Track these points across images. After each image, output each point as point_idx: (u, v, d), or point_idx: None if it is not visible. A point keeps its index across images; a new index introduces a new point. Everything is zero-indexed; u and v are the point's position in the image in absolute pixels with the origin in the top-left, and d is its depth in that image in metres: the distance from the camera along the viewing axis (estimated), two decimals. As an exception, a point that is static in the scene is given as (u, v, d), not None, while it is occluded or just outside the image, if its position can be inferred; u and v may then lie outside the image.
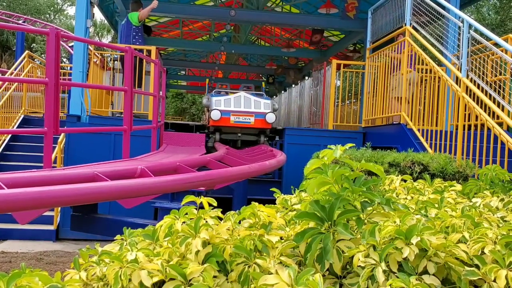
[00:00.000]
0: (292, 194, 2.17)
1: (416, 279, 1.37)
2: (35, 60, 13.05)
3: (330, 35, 15.41)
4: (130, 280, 1.40)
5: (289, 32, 16.53)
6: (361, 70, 9.20)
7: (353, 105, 10.52)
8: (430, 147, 5.57)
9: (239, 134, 7.84)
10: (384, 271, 1.39)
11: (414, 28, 6.65)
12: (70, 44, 14.75)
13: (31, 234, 6.52)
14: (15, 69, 10.58)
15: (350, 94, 10.06)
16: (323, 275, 1.44)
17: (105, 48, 10.19)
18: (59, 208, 6.51)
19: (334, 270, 1.48)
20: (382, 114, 7.22)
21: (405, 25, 6.73)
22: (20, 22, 19.60)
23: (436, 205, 1.97)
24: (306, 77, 12.41)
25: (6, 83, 9.75)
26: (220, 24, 15.19)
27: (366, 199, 1.68)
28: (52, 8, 35.83)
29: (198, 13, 12.29)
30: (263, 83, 9.73)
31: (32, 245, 6.17)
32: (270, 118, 7.58)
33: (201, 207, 1.72)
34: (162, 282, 1.41)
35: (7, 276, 1.19)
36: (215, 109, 7.54)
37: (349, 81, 9.66)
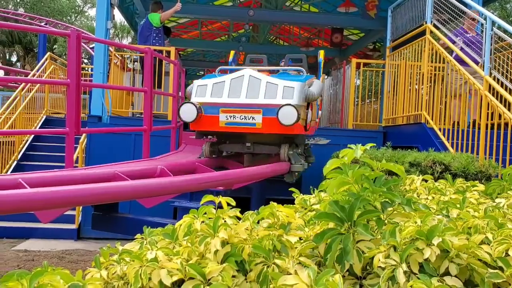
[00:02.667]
0: (311, 194, 2.16)
1: (438, 281, 1.34)
2: (57, 61, 13.25)
3: (349, 34, 15.30)
4: (150, 279, 1.40)
5: (308, 31, 16.46)
6: (381, 69, 9.11)
7: (373, 104, 10.42)
8: (452, 146, 5.49)
9: (248, 144, 4.66)
10: (405, 272, 1.38)
11: (435, 26, 6.55)
12: (91, 46, 14.94)
13: (53, 233, 6.63)
14: (38, 70, 10.77)
15: (370, 93, 9.97)
16: (343, 276, 1.43)
17: (125, 49, 10.29)
18: (81, 207, 6.60)
19: (354, 270, 1.46)
20: (403, 113, 7.14)
21: (426, 23, 6.64)
22: (42, 24, 19.94)
23: (458, 206, 1.94)
24: (326, 76, 12.35)
25: (29, 84, 9.93)
26: (239, 24, 15.21)
27: (387, 199, 1.67)
28: (74, 10, 36.34)
29: (217, 14, 12.33)
30: (321, 51, 5.96)
31: (54, 243, 6.26)
32: (285, 115, 4.10)
33: (220, 206, 1.72)
34: (182, 281, 1.41)
35: (29, 274, 1.21)
36: (188, 102, 4.43)
37: (369, 80, 9.57)
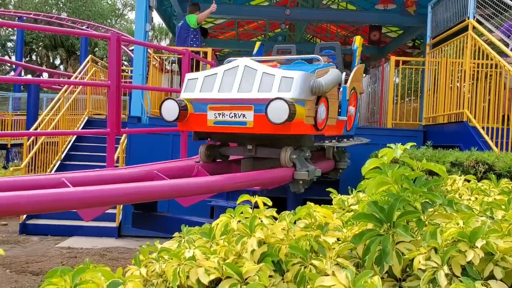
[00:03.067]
0: (349, 195, 2.13)
1: (482, 284, 1.30)
2: (98, 64, 13.60)
3: (388, 31, 15.04)
4: (188, 277, 1.42)
5: (345, 29, 16.29)
6: (421, 67, 8.91)
7: (412, 103, 10.21)
8: (496, 145, 5.31)
9: (249, 147, 4.02)
10: (446, 275, 1.34)
11: (477, 21, 6.36)
12: (130, 48, 15.25)
13: (95, 231, 6.80)
14: (80, 72, 11.09)
15: (409, 92, 9.77)
16: (382, 278, 1.40)
17: (163, 51, 10.47)
18: (121, 206, 6.75)
19: (393, 272, 1.43)
20: (444, 112, 6.96)
21: (468, 18, 6.45)
22: (84, 27, 20.51)
23: (503, 207, 1.87)
24: (364, 75, 12.19)
25: (72, 86, 10.23)
26: (275, 23, 15.20)
27: (427, 200, 1.62)
28: (114, 13, 37.24)
29: (254, 14, 12.36)
30: (357, 37, 5.52)
31: (96, 241, 6.42)
32: (275, 111, 3.38)
33: (256, 206, 1.72)
34: (219, 280, 1.42)
35: (72, 271, 1.24)
36: (170, 98, 3.86)
37: (408, 78, 9.38)
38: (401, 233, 1.44)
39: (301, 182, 3.90)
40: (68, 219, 6.78)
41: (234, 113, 3.66)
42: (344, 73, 4.80)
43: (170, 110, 3.76)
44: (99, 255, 5.66)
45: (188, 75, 4.03)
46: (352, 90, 4.84)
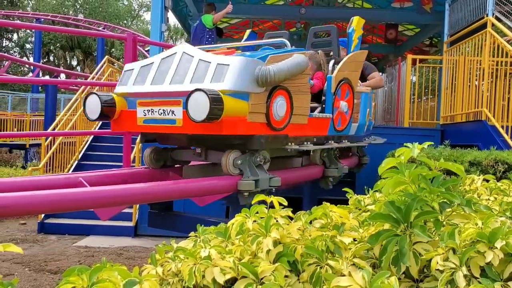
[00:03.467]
0: (366, 194, 2.12)
1: (501, 286, 1.28)
2: (115, 64, 13.73)
3: (405, 29, 14.90)
4: (203, 276, 1.42)
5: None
6: (438, 65, 8.81)
7: (429, 102, 10.10)
8: (516, 144, 5.23)
9: (198, 150, 3.54)
10: (465, 276, 1.32)
11: (497, 18, 6.26)
12: (146, 48, 15.35)
13: (112, 230, 6.86)
14: (96, 73, 11.20)
15: (426, 90, 9.67)
16: (399, 278, 1.39)
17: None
18: (138, 206, 6.80)
19: (410, 273, 1.42)
20: (462, 111, 6.87)
21: (487, 15, 6.35)
22: (100, 28, 20.72)
23: (523, 207, 1.84)
24: (380, 73, 12.11)
25: (89, 86, 10.34)
26: (290, 22, 15.17)
27: (445, 200, 1.60)
28: (130, 14, 37.55)
29: (269, 13, 12.35)
30: (355, 17, 4.86)
31: (113, 240, 6.48)
32: (194, 106, 2.77)
33: (272, 206, 1.72)
34: (234, 280, 1.42)
35: (89, 270, 1.25)
36: (93, 93, 3.28)
37: (425, 77, 9.29)
38: (419, 233, 1.42)
39: (246, 194, 3.11)
40: (85, 219, 6.85)
41: (163, 109, 3.08)
42: (332, 61, 4.23)
43: (92, 107, 3.22)
44: (116, 254, 5.70)
45: (126, 66, 3.50)
46: (343, 82, 4.13)
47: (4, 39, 30.01)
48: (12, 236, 6.58)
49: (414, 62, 8.29)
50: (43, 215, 6.87)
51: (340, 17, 12.52)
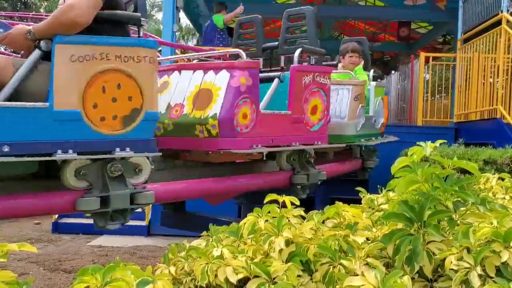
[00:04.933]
0: (379, 194, 2.10)
1: (517, 286, 1.26)
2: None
3: (417, 27, 14.78)
4: (216, 275, 1.43)
5: (373, 25, 16.08)
6: (451, 63, 8.73)
7: (443, 100, 10.01)
8: (531, 143, 5.16)
9: None
10: (479, 276, 1.30)
11: (511, 15, 6.18)
12: (158, 49, 15.42)
13: (125, 230, 6.86)
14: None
15: (440, 88, 9.57)
16: (412, 278, 1.38)
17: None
18: (150, 205, 6.83)
19: (424, 273, 1.41)
20: (476, 108, 6.79)
21: (502, 12, 6.28)
22: (114, 29, 20.82)
23: (539, 206, 1.81)
24: (393, 72, 12.01)
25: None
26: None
27: (459, 199, 1.59)
28: (143, 14, 37.74)
29: (280, 12, 12.27)
30: None
31: (126, 239, 6.51)
32: None
33: (284, 206, 1.71)
34: (247, 279, 1.42)
35: (103, 269, 1.26)
36: None
37: (438, 75, 9.20)
38: (432, 232, 1.41)
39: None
40: (99, 218, 6.89)
41: None
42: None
43: None
44: (129, 253, 5.73)
45: None
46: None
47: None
48: (26, 236, 6.65)
49: (427, 60, 8.21)
50: (57, 215, 6.93)
51: (352, 16, 12.47)
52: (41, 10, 31.36)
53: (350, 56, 5.20)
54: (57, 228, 7.02)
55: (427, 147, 1.70)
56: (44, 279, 4.62)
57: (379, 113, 5.15)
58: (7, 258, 1.32)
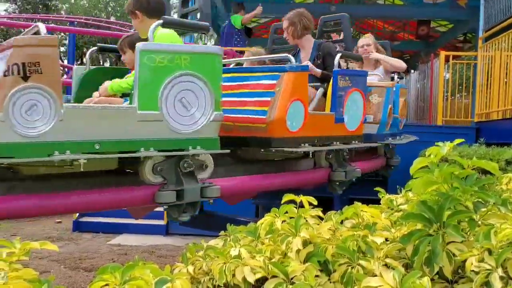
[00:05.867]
0: (398, 194, 2.09)
1: (540, 288, 1.24)
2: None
3: (437, 26, 14.58)
4: (233, 275, 1.43)
5: (392, 24, 15.93)
6: (472, 61, 8.60)
7: (463, 99, 9.87)
8: (555, 142, 5.06)
9: None
10: (501, 278, 1.28)
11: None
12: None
13: (144, 229, 6.96)
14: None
15: (460, 87, 9.45)
16: (432, 279, 1.36)
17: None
18: (169, 204, 6.87)
19: (444, 274, 1.39)
20: (498, 108, 6.68)
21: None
22: (131, 30, 21.03)
23: None
24: (412, 71, 11.89)
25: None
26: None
27: (479, 200, 1.56)
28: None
29: (298, 12, 12.27)
30: None
31: (145, 238, 6.57)
32: None
33: (301, 206, 1.71)
34: (264, 279, 1.42)
35: (122, 268, 1.28)
36: None
37: (459, 74, 9.07)
38: (452, 233, 1.39)
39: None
40: (119, 217, 6.97)
41: None
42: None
43: None
44: (148, 252, 5.79)
45: None
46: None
47: (40, 42, 30.92)
48: (48, 234, 6.76)
49: (447, 58, 8.10)
50: (77, 214, 7.03)
51: (371, 15, 12.36)
52: (62, 12, 31.81)
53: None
54: (78, 227, 7.12)
55: (444, 147, 1.68)
56: (65, 277, 4.69)
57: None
58: (29, 256, 1.34)
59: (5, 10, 28.58)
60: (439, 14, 11.53)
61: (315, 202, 1.72)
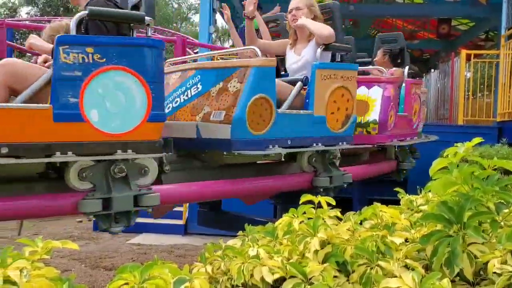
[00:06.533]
0: (418, 195, 2.06)
1: None
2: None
3: (458, 24, 14.39)
4: (252, 275, 1.43)
5: (412, 23, 15.76)
6: (494, 60, 8.46)
7: (485, 98, 9.71)
8: None
9: None
10: (524, 280, 1.26)
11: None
12: (195, 50, 15.59)
13: (163, 228, 7.01)
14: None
15: (482, 86, 9.30)
16: (453, 281, 1.34)
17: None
18: (187, 204, 6.92)
19: (464, 275, 1.37)
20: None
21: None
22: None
23: None
24: (432, 70, 11.74)
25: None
26: (339, 20, 14.97)
27: (501, 200, 1.53)
28: (179, 16, 38.28)
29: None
30: None
31: (164, 238, 6.62)
32: None
33: (319, 206, 1.71)
34: (283, 279, 1.42)
35: (141, 267, 1.29)
36: None
37: (481, 72, 8.93)
38: (472, 234, 1.37)
39: None
40: (138, 216, 7.01)
41: None
42: None
43: None
44: (167, 251, 5.83)
45: None
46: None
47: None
48: (69, 234, 6.86)
49: (468, 57, 7.99)
50: (98, 214, 7.11)
51: (390, 14, 12.25)
52: (83, 14, 32.16)
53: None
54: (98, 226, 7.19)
55: (462, 147, 1.66)
56: (86, 276, 4.76)
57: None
58: (51, 255, 1.36)
59: (27, 13, 29.09)
60: (460, 12, 11.37)
61: (334, 203, 1.72)
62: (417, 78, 5.43)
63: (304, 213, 1.67)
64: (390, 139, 4.27)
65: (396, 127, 4.35)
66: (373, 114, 4.12)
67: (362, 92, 4.15)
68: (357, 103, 3.70)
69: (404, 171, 5.08)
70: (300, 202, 1.73)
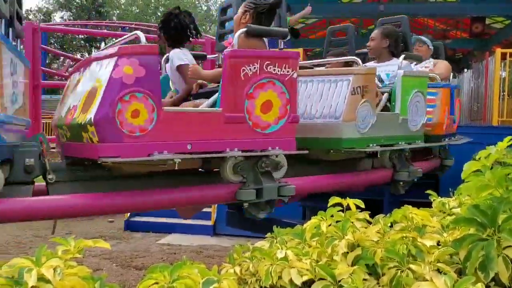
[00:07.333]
0: (451, 197, 2.02)
1: None
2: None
3: (493, 22, 14.02)
4: (280, 277, 1.43)
5: (443, 22, 15.45)
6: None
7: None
8: None
9: None
10: None
11: None
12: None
13: (192, 229, 7.05)
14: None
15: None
16: (487, 286, 1.31)
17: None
18: (216, 205, 6.95)
19: (500, 279, 1.33)
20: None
21: None
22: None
23: None
24: (465, 70, 11.49)
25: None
26: (369, 20, 14.82)
27: (538, 203, 1.49)
28: (208, 18, 38.58)
29: (346, 12, 12.12)
30: None
31: (193, 239, 6.66)
32: None
33: (348, 208, 1.69)
34: (311, 281, 1.41)
35: (170, 267, 1.31)
36: None
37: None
38: (507, 237, 1.33)
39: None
40: (168, 217, 7.09)
41: None
42: None
43: None
44: (196, 252, 5.87)
45: None
46: None
47: (93, 48, 32.04)
48: (100, 233, 6.98)
49: (503, 56, 7.77)
50: (129, 214, 7.22)
51: (421, 13, 12.01)
52: (114, 18, 32.87)
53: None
54: (129, 226, 7.31)
55: (495, 148, 1.61)
56: (117, 275, 4.83)
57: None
58: (83, 253, 1.39)
59: (61, 18, 29.81)
60: (495, 10, 11.07)
61: (362, 205, 1.70)
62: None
63: (333, 216, 1.65)
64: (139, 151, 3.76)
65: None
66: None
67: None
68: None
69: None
70: (329, 204, 1.72)
